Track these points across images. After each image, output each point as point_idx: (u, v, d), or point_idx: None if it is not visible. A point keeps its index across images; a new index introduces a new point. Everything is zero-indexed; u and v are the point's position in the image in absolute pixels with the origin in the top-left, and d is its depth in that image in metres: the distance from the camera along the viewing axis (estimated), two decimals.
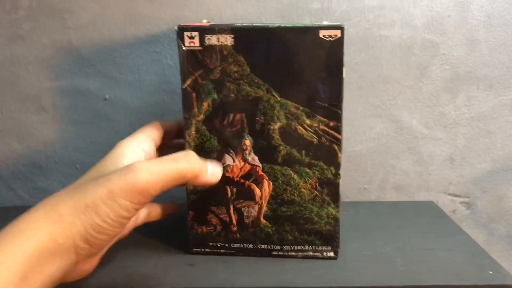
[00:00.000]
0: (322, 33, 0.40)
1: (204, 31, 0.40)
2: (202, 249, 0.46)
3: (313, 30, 0.40)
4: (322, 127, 0.42)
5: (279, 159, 0.43)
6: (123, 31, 0.56)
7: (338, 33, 0.40)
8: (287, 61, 0.40)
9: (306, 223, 0.44)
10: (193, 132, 0.42)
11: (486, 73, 0.59)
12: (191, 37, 0.40)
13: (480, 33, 0.57)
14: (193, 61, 0.40)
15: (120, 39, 0.57)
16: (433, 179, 0.62)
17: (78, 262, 0.32)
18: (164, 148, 0.43)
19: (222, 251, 0.45)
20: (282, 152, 0.42)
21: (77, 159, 0.60)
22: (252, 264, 0.44)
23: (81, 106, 0.59)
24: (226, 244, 0.45)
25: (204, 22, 0.43)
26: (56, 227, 0.30)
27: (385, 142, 0.60)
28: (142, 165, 0.33)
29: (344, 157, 0.60)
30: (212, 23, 0.43)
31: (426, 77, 0.58)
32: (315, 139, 0.42)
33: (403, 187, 0.62)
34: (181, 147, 0.43)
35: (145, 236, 0.49)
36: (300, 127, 0.42)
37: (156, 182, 0.33)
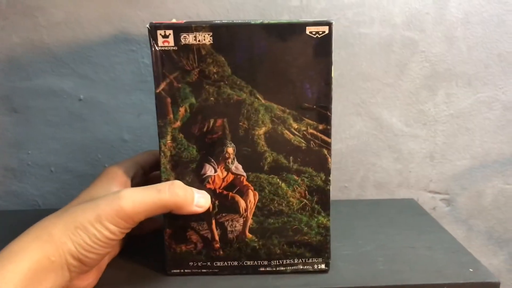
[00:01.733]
0: (309, 29, 0.37)
1: (179, 29, 0.37)
2: (181, 270, 0.42)
3: (299, 27, 0.37)
4: (310, 130, 0.39)
5: (265, 167, 0.40)
6: (98, 29, 0.55)
7: (326, 29, 0.37)
8: (271, 60, 0.38)
9: (295, 235, 0.41)
10: (168, 142, 0.39)
11: (464, 70, 0.59)
12: (165, 36, 0.37)
13: (458, 30, 0.57)
14: (167, 63, 0.37)
15: (95, 38, 0.55)
16: (413, 177, 0.62)
17: (73, 279, 0.35)
18: (156, 177, 0.44)
19: (203, 270, 0.42)
20: (268, 159, 0.40)
21: (52, 161, 0.58)
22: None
23: (55, 107, 0.57)
24: (208, 262, 0.41)
25: (174, 21, 0.40)
26: (48, 246, 0.32)
27: (365, 140, 0.60)
28: (127, 194, 0.35)
29: None
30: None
31: (405, 75, 0.58)
32: (303, 144, 0.39)
33: (384, 185, 0.62)
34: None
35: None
36: (287, 132, 0.39)
37: (140, 211, 0.35)
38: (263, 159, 0.39)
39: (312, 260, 0.42)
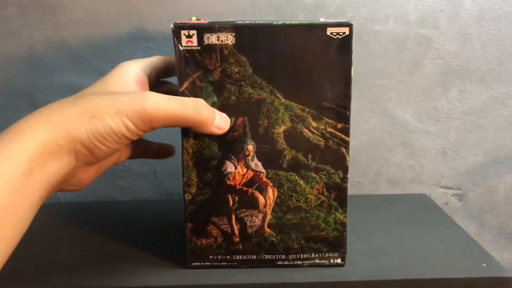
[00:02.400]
0: (329, 30, 0.37)
1: (203, 29, 0.37)
2: (202, 263, 0.43)
3: (320, 27, 0.37)
4: (329, 129, 0.40)
5: (284, 164, 0.40)
6: (116, 27, 0.56)
7: (346, 30, 0.38)
8: (292, 61, 0.38)
9: (312, 230, 0.42)
10: (191, 139, 0.39)
11: (478, 67, 0.59)
12: (189, 36, 0.37)
13: (472, 27, 0.58)
14: (190, 62, 0.38)
15: (114, 35, 0.56)
16: (426, 172, 0.63)
17: (78, 167, 0.34)
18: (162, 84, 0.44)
19: (223, 263, 0.43)
20: (287, 156, 0.40)
21: None
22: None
23: None
24: (228, 256, 0.42)
25: (194, 20, 0.41)
26: (59, 129, 0.31)
27: (379, 136, 0.61)
28: (153, 97, 0.34)
29: None
30: (202, 20, 0.40)
31: (419, 72, 0.59)
32: (322, 142, 0.40)
33: (397, 180, 0.63)
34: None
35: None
36: (306, 130, 0.40)
37: (162, 118, 0.34)
38: (282, 156, 0.40)
39: (329, 254, 0.43)
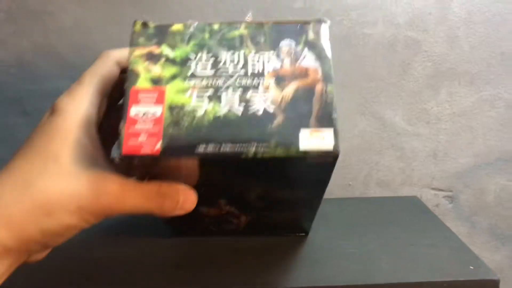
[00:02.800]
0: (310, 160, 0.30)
1: None
2: None
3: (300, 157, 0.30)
4: None
5: None
6: (106, 33, 0.56)
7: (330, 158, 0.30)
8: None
9: None
10: None
11: (467, 69, 0.59)
12: None
13: (461, 30, 0.58)
14: None
15: (104, 42, 0.56)
16: (417, 175, 0.63)
17: (31, 257, 0.31)
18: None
19: None
20: None
21: None
22: None
23: None
24: None
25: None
26: (5, 230, 0.27)
27: (369, 139, 0.61)
28: (118, 193, 0.30)
29: None
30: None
31: (408, 74, 0.59)
32: None
33: (387, 183, 0.63)
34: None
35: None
36: None
37: (123, 211, 0.31)
38: None
39: None
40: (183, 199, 0.33)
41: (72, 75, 0.57)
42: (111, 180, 0.30)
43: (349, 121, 0.60)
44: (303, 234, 0.50)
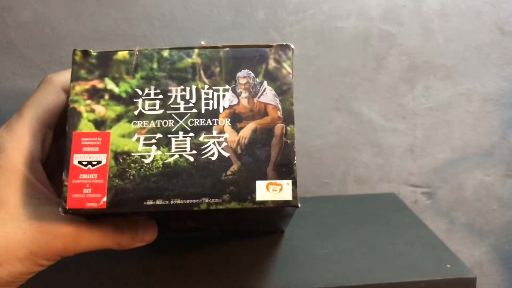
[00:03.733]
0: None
1: None
2: None
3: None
4: None
5: None
6: (68, 29, 0.53)
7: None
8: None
9: None
10: None
11: (442, 63, 0.58)
12: None
13: (435, 22, 0.57)
14: None
15: (66, 38, 0.54)
16: (394, 171, 0.62)
17: None
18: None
19: None
20: None
21: None
22: None
23: None
24: None
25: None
26: None
27: (345, 135, 0.60)
28: (72, 233, 0.29)
29: (304, 152, 0.60)
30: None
31: (383, 68, 0.58)
32: None
33: (365, 180, 0.62)
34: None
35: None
36: None
37: (79, 252, 0.30)
38: None
39: None
40: (142, 232, 0.32)
41: (33, 73, 0.54)
42: (63, 221, 0.28)
43: (325, 117, 0.59)
44: (279, 232, 0.48)
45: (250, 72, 0.30)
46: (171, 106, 0.29)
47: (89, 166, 0.28)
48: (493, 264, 0.66)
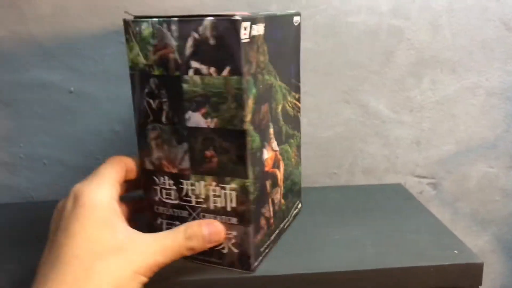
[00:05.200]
0: (294, 19, 0.45)
1: (253, 20, 0.35)
2: (261, 260, 0.42)
3: (291, 17, 0.45)
4: (294, 101, 0.47)
5: (283, 138, 0.45)
6: (86, 21, 0.55)
7: (299, 19, 0.46)
8: (282, 45, 0.43)
9: (295, 186, 0.50)
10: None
11: (449, 57, 0.60)
12: (245, 29, 0.34)
13: (443, 18, 0.58)
14: (245, 56, 0.35)
15: (83, 30, 0.55)
16: (400, 162, 0.63)
17: None
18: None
19: (267, 250, 0.43)
20: (284, 131, 0.45)
21: (44, 154, 0.59)
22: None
23: (45, 99, 0.57)
24: (268, 240, 0.43)
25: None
26: None
27: (353, 127, 0.61)
28: (159, 247, 0.36)
29: (313, 143, 0.61)
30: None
31: (392, 62, 0.59)
32: (292, 113, 0.47)
33: (372, 171, 0.63)
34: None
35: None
36: (287, 105, 0.45)
37: (168, 263, 0.36)
38: (282, 132, 0.45)
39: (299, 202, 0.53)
40: (209, 233, 0.38)
41: (51, 65, 0.56)
42: (153, 240, 0.36)
43: (333, 109, 0.60)
44: None
45: None
46: None
47: None
48: (495, 254, 0.68)
